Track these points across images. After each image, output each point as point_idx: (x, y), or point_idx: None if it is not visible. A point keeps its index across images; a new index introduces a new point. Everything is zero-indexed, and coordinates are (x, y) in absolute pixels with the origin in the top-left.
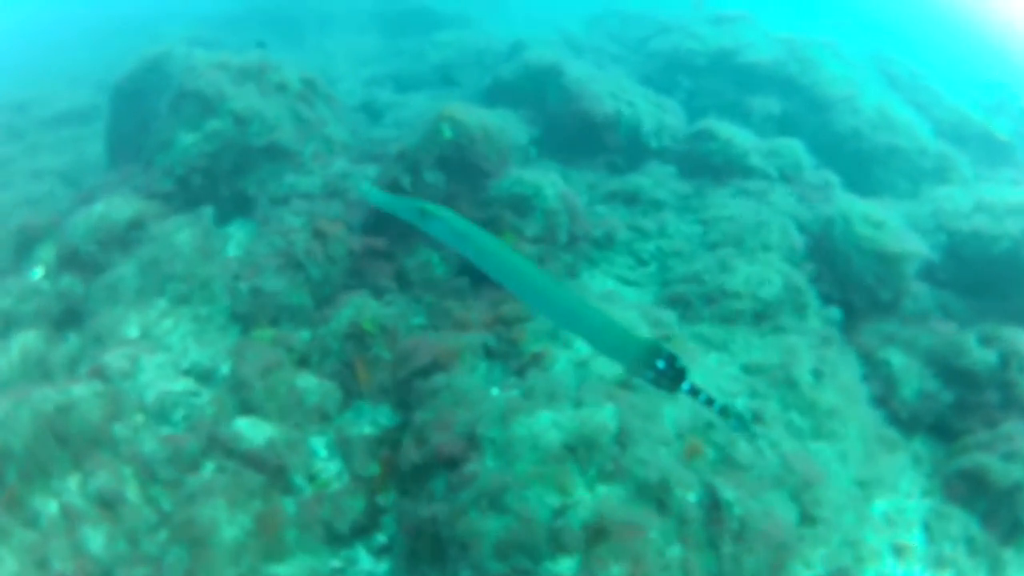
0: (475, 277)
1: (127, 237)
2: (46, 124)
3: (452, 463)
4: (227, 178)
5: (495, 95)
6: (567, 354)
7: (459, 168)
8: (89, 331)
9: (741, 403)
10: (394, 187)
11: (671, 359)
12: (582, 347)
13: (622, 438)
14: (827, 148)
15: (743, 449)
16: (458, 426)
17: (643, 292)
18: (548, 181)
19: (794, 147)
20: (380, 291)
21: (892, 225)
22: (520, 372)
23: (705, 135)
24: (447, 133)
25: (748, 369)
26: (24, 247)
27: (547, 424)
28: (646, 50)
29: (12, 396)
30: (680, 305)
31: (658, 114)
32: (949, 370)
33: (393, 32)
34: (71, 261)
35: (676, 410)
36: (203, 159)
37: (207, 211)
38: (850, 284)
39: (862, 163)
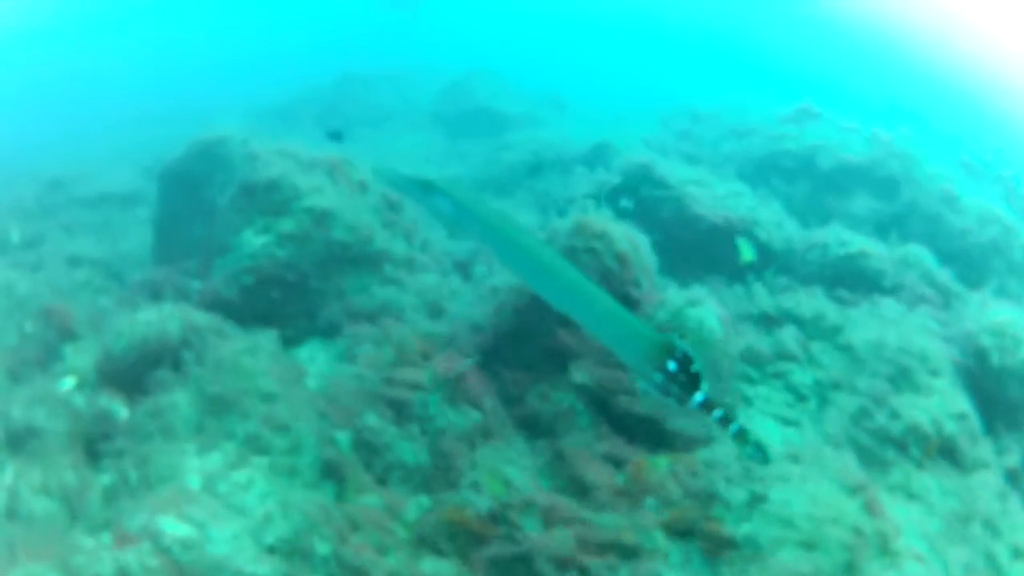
0: (617, 425)
1: (181, 356)
2: (84, 204)
3: None
4: (302, 289)
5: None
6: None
7: None
8: (133, 468)
9: None
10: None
11: (685, 360)
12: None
13: None
14: (936, 250)
15: None
16: None
17: (805, 435)
18: (710, 312)
19: (922, 255)
20: (506, 444)
21: None
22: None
23: (832, 244)
24: (587, 250)
25: (949, 519)
26: (54, 345)
27: None
28: (725, 151)
29: (39, 549)
30: (856, 449)
31: (775, 220)
32: None
33: (453, 132)
34: (112, 377)
35: None
36: (275, 266)
37: (277, 330)
38: (1000, 407)
39: (971, 263)
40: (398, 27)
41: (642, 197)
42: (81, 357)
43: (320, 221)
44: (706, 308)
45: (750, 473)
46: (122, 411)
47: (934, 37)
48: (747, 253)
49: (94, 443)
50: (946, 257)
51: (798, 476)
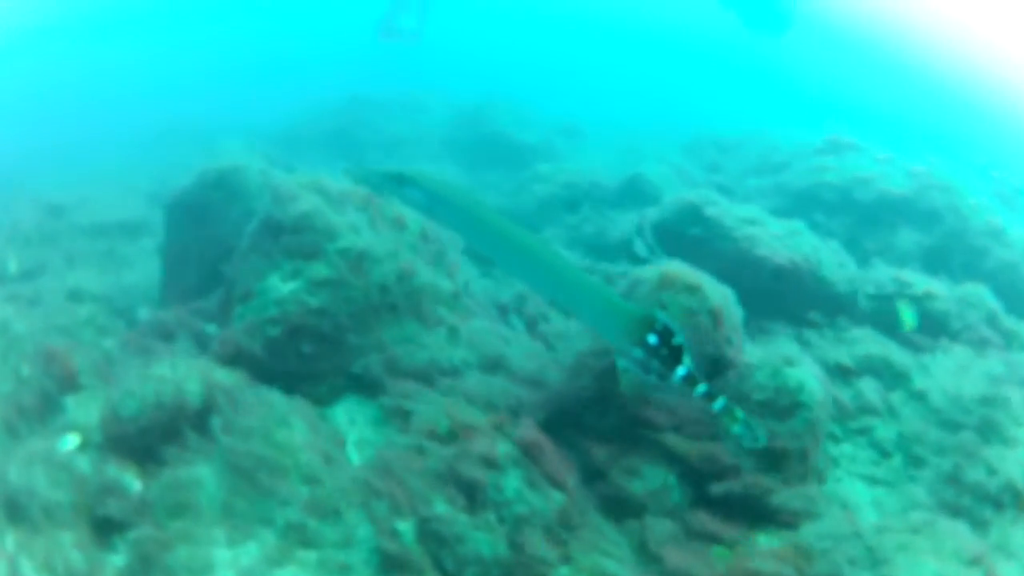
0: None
1: (203, 421)
2: (85, 233)
3: None
4: (337, 342)
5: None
6: None
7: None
8: (150, 555)
9: None
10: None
11: (666, 333)
12: None
13: None
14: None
15: None
16: None
17: (895, 495)
18: (809, 373)
19: (983, 295)
20: (598, 533)
21: None
22: None
23: (897, 285)
24: (677, 305)
25: None
26: (54, 395)
27: None
28: (759, 184)
29: None
30: (951, 509)
31: (836, 260)
32: None
33: (471, 162)
34: (121, 441)
35: None
36: (306, 316)
37: (309, 388)
38: None
39: (1020, 296)
40: (403, 51)
41: (692, 237)
42: (84, 411)
43: (357, 264)
44: (804, 368)
45: (873, 553)
46: (134, 483)
47: (940, 44)
48: (909, 319)
49: (101, 517)
50: (995, 293)
51: (917, 548)
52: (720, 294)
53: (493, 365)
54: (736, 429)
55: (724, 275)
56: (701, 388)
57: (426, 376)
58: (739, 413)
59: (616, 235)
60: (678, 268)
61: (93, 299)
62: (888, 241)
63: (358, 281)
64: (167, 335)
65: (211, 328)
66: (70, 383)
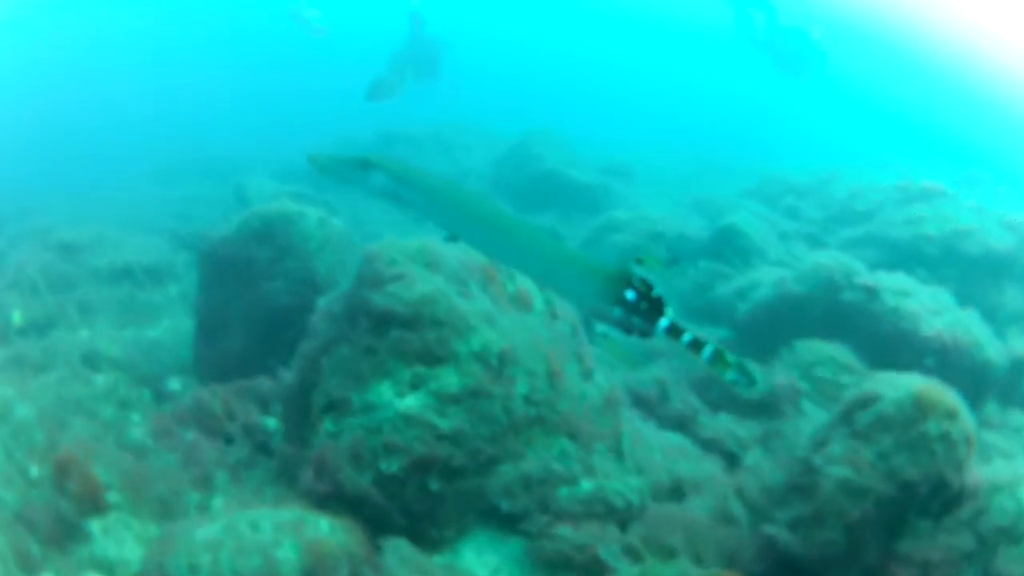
0: None
1: None
2: (102, 277)
3: None
4: (476, 473)
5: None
6: None
7: None
8: None
9: None
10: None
11: (645, 287)
12: None
13: None
14: None
15: None
16: None
17: None
18: None
19: None
20: None
21: None
22: None
23: None
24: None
25: None
26: (73, 517)
27: None
28: (850, 233)
29: None
30: None
31: (988, 332)
32: None
33: (525, 204)
34: None
35: None
36: (435, 443)
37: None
38: None
39: None
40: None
41: (835, 309)
42: (116, 544)
43: (499, 369)
44: None
45: None
46: None
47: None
48: None
49: None
50: None
51: None
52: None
53: (674, 493)
54: (729, 376)
55: (875, 356)
56: (686, 337)
57: (593, 512)
58: (730, 358)
59: (726, 293)
60: (930, 387)
61: (113, 365)
62: (996, 300)
63: (499, 391)
64: (212, 428)
65: (271, 423)
66: (93, 502)
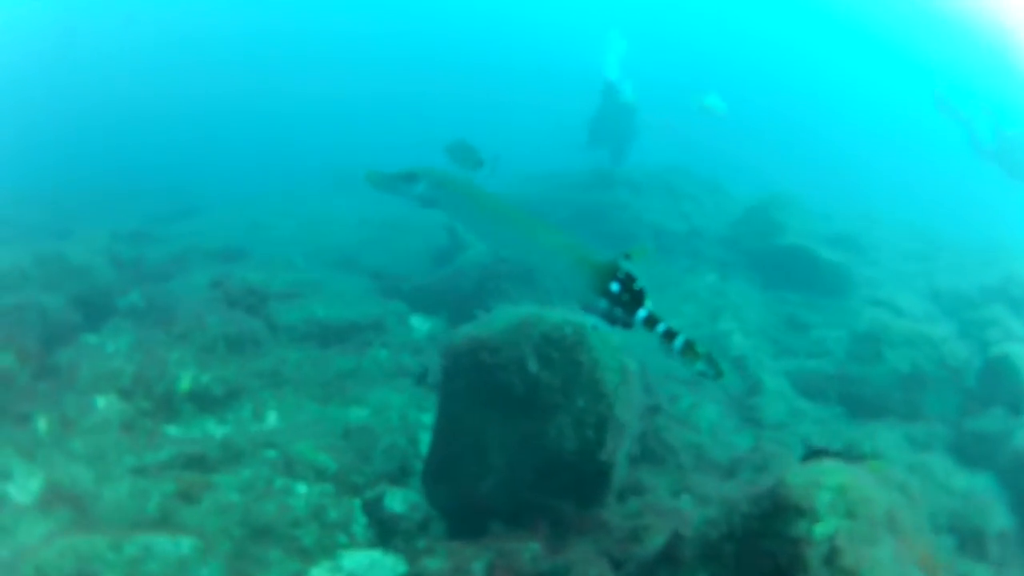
0: None
1: None
2: (295, 337)
3: None
4: None
5: None
6: None
7: None
8: None
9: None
10: None
11: (627, 279)
12: None
13: None
14: None
15: None
16: None
17: None
18: None
19: None
20: None
21: None
22: None
23: None
24: None
25: None
26: None
27: None
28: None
29: None
30: None
31: None
32: None
33: (765, 279)
34: None
35: None
36: None
37: None
38: None
39: None
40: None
41: None
42: None
43: None
44: None
45: None
46: None
47: None
48: None
49: None
50: None
51: None
52: None
53: None
54: (699, 366)
55: None
56: (661, 327)
57: None
58: (701, 349)
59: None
60: None
61: (317, 472)
62: None
63: None
64: None
65: None
66: None
